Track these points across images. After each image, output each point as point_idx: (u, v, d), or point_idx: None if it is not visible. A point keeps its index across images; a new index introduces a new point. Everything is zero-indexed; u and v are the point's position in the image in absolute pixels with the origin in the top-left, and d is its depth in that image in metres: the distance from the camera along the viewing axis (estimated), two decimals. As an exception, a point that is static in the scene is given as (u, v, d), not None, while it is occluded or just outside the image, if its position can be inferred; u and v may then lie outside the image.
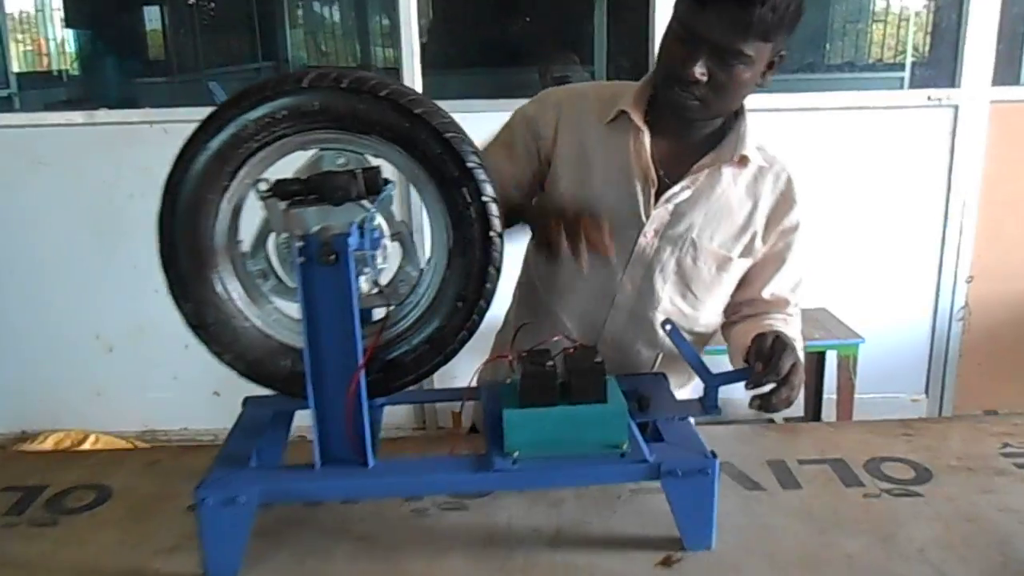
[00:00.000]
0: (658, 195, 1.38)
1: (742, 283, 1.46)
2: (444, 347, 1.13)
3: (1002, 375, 3.25)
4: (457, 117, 1.09)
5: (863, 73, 4.13)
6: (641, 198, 1.38)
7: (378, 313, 1.19)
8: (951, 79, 3.01)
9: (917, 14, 3.99)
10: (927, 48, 3.95)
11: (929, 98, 2.98)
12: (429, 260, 1.13)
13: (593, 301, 1.44)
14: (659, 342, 1.43)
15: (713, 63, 1.24)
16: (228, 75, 5.39)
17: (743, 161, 1.37)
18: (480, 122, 1.45)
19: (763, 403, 1.19)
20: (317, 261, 1.00)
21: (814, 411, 3.00)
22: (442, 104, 1.09)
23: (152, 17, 5.45)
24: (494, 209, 1.08)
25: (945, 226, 3.10)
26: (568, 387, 1.10)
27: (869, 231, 3.08)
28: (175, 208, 1.06)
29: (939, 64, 3.48)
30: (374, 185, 1.00)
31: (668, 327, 1.22)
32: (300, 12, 5.64)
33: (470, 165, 1.06)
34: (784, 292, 1.46)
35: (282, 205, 1.00)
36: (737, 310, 1.48)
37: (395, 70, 3.22)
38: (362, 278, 1.07)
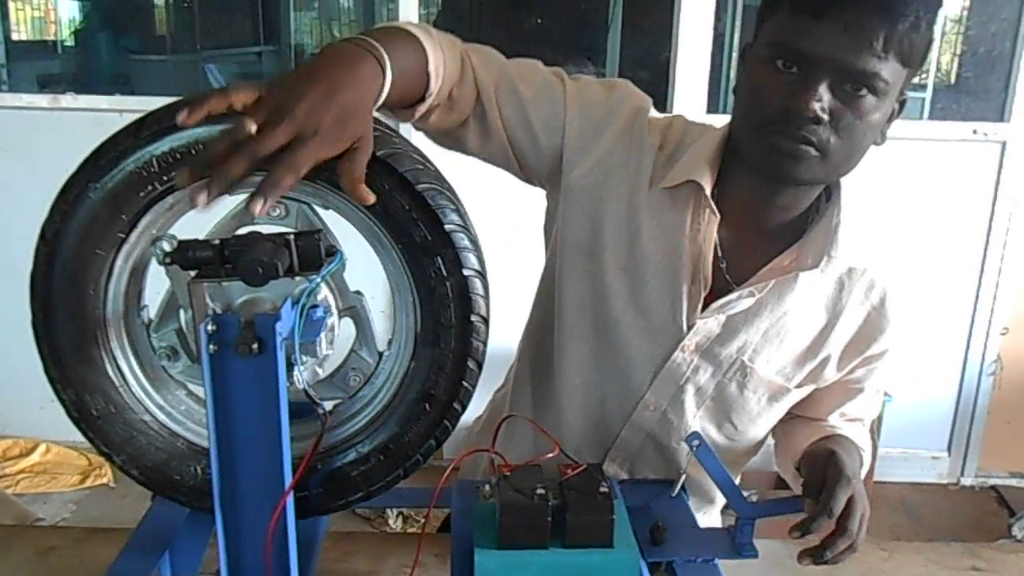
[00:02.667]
0: (708, 299, 1.03)
1: (801, 401, 1.14)
2: (403, 459, 0.86)
3: (1032, 435, 2.99)
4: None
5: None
6: (686, 302, 1.03)
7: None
8: (999, 112, 2.74)
9: (945, 36, 3.73)
10: (954, 72, 3.70)
11: (975, 132, 2.71)
12: (390, 343, 0.87)
13: (605, 410, 1.12)
14: (680, 467, 1.15)
15: (835, 95, 0.89)
16: (227, 57, 5.14)
17: (830, 262, 1.02)
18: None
19: (815, 557, 0.92)
20: (234, 351, 0.74)
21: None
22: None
23: (158, -10, 5.19)
24: (478, 286, 0.82)
25: (982, 273, 2.83)
26: (563, 523, 0.84)
27: (896, 274, 2.81)
28: (53, 265, 0.80)
29: (968, 92, 3.23)
30: (312, 257, 0.73)
31: (696, 443, 0.94)
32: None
33: (448, 228, 0.79)
34: (857, 414, 1.15)
35: (187, 275, 0.74)
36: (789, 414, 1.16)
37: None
38: (299, 367, 0.81)
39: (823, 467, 0.93)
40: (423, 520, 1.00)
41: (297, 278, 0.73)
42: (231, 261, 0.71)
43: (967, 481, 3.06)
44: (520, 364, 1.23)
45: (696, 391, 1.08)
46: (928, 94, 3.54)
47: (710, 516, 1.23)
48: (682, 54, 2.64)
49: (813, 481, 0.92)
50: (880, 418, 2.44)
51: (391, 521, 2.69)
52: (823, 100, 0.88)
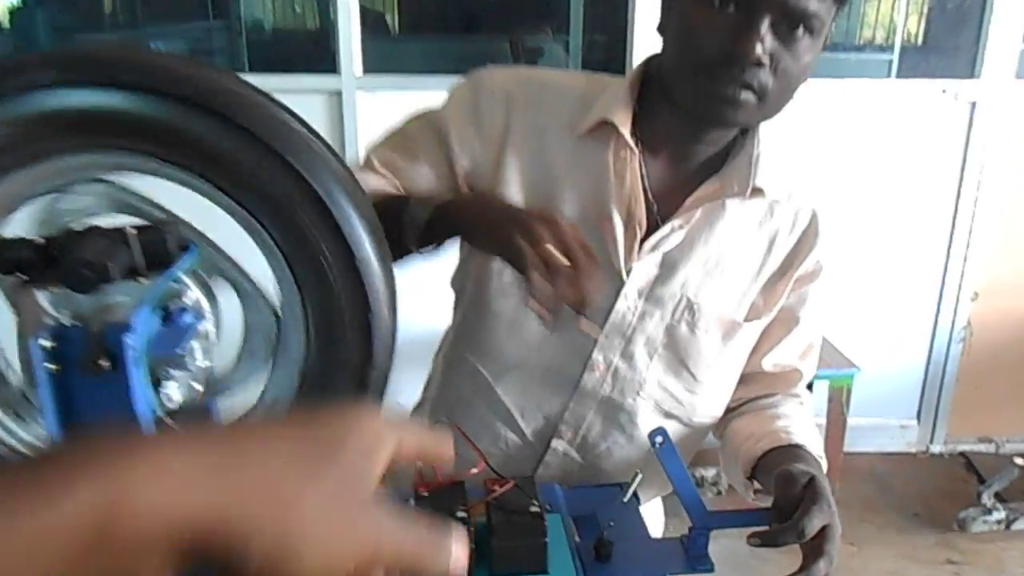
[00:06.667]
0: (643, 242, 1.00)
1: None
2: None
3: (1000, 400, 2.94)
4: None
5: (848, 54, 3.74)
6: (622, 245, 0.99)
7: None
8: (970, 68, 2.64)
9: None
10: (921, 31, 3.61)
11: (944, 91, 2.62)
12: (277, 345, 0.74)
13: (548, 383, 1.04)
14: (639, 438, 1.06)
15: (774, 35, 0.87)
16: (173, 34, 4.91)
17: (756, 192, 1.00)
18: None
19: (764, 540, 0.83)
20: (80, 370, 0.61)
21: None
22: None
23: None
24: (375, 272, 0.69)
25: (951, 237, 2.75)
26: (489, 549, 0.73)
27: (865, 242, 2.72)
28: None
29: (937, 50, 3.14)
30: (160, 253, 0.60)
31: (659, 440, 0.85)
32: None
33: (331, 206, 0.67)
34: (791, 360, 1.10)
35: (13, 280, 0.61)
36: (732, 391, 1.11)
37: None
38: (171, 384, 0.69)
39: (800, 490, 0.84)
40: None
41: (145, 280, 0.60)
42: (57, 262, 0.58)
43: (936, 449, 3.01)
44: (449, 354, 1.13)
45: (646, 340, 1.02)
46: (895, 55, 3.45)
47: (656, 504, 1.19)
48: (639, 18, 2.51)
49: (786, 504, 0.83)
50: (849, 390, 2.37)
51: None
52: (765, 42, 0.86)
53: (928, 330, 2.87)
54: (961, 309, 2.83)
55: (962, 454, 3.01)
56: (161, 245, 0.59)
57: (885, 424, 2.96)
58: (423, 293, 1.28)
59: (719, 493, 2.55)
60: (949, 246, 2.76)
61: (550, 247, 0.76)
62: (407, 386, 1.32)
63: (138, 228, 0.59)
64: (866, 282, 2.73)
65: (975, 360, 2.89)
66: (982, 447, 3.01)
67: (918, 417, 2.99)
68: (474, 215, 0.87)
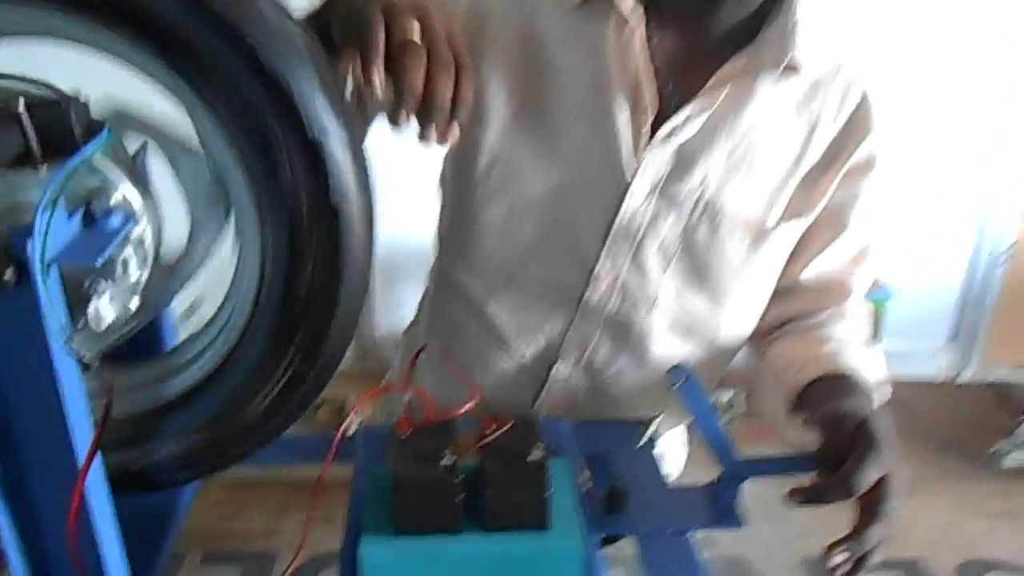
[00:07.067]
0: (654, 128, 0.85)
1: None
2: (274, 411, 0.64)
3: (1042, 325, 2.79)
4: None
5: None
6: (627, 134, 0.84)
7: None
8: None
9: None
10: None
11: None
12: (239, 261, 0.63)
13: (546, 300, 0.91)
14: (653, 361, 0.93)
15: None
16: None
17: (791, 69, 0.84)
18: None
19: (803, 497, 0.70)
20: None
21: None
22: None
23: None
24: (337, 152, 0.57)
25: (1004, 145, 2.53)
26: (481, 501, 0.62)
27: (903, 147, 2.50)
28: None
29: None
30: (61, 136, 0.47)
31: (682, 378, 0.73)
32: None
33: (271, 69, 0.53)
34: (840, 269, 0.94)
35: None
36: (769, 307, 0.96)
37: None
38: (98, 300, 0.57)
39: (850, 434, 0.71)
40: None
41: (43, 169, 0.48)
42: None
43: (967, 376, 2.88)
44: (436, 271, 1.01)
45: (659, 246, 0.89)
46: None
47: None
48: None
49: (833, 451, 0.71)
50: (880, 314, 2.23)
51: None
52: None
53: (969, 248, 2.68)
54: (1009, 226, 2.64)
55: (994, 383, 2.88)
56: (62, 125, 0.46)
57: (915, 349, 2.83)
58: (427, 201, 1.14)
59: (731, 421, 2.44)
60: (1001, 155, 2.54)
61: (407, 26, 0.61)
62: (411, 298, 1.21)
63: (32, 103, 0.46)
64: (903, 192, 2.54)
65: (1019, 282, 2.72)
66: (1017, 375, 2.88)
67: (951, 343, 2.85)
68: (338, 6, 0.69)
